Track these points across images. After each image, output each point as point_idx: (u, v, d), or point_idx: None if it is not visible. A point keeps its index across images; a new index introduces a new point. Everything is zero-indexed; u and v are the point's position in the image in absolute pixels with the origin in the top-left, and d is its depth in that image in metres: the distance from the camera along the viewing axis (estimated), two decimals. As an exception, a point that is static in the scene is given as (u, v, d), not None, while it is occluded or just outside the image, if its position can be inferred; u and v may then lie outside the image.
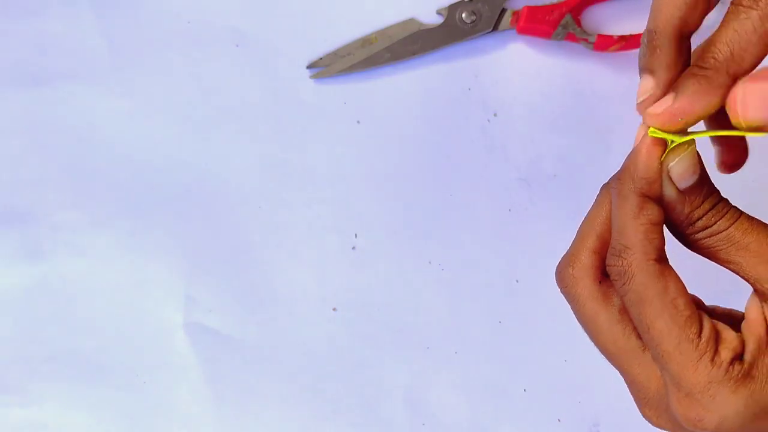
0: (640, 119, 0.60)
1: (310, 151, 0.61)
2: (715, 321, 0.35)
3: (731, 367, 0.33)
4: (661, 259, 0.34)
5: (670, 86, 0.35)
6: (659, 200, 0.35)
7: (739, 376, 0.33)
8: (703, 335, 0.33)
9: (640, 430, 0.61)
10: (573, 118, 0.62)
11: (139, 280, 0.59)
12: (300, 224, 0.61)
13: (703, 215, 0.34)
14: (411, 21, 0.62)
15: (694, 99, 0.33)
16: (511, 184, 0.62)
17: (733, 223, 0.34)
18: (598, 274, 0.37)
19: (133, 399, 0.59)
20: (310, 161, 0.61)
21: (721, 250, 0.34)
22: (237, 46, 0.62)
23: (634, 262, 0.34)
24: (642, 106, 0.36)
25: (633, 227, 0.34)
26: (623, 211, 0.35)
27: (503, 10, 0.62)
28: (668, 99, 0.35)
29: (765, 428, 0.34)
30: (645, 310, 0.34)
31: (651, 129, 0.36)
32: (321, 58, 0.61)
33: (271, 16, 0.62)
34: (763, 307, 0.35)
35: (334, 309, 0.60)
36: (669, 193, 0.35)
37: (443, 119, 0.62)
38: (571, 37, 0.61)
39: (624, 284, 0.35)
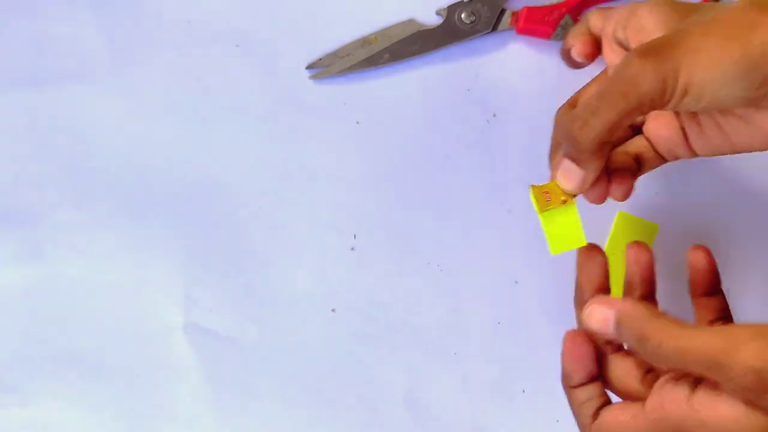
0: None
1: (310, 151, 0.61)
2: None
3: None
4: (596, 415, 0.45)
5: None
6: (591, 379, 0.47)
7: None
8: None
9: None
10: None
11: (139, 280, 0.59)
12: (300, 224, 0.61)
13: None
14: (411, 21, 0.62)
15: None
16: (511, 184, 0.62)
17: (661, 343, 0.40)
18: None
19: (133, 399, 0.59)
20: (310, 161, 0.61)
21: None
22: (237, 46, 0.62)
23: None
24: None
25: (579, 413, 0.46)
26: (570, 401, 0.47)
27: (503, 11, 0.62)
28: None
29: None
30: None
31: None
32: (321, 59, 0.61)
33: (271, 16, 0.62)
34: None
35: (334, 309, 0.60)
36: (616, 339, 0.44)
37: (443, 119, 0.62)
38: None
39: None
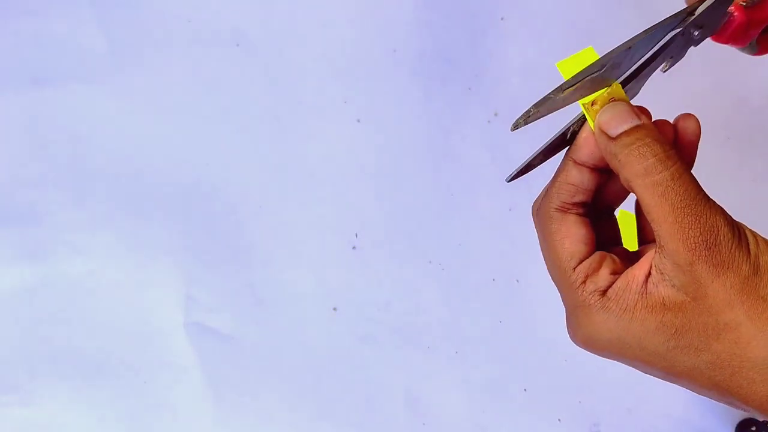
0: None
1: (310, 151, 0.61)
2: (608, 257, 0.39)
3: (591, 296, 0.38)
4: (563, 208, 0.40)
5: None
6: (592, 166, 0.40)
7: (597, 305, 0.38)
8: (578, 269, 0.39)
9: (640, 431, 0.61)
10: (573, 117, 0.62)
11: (139, 280, 0.59)
12: (300, 224, 0.61)
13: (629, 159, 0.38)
14: None
15: None
16: (511, 184, 0.62)
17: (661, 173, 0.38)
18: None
19: (133, 399, 0.59)
20: (310, 161, 0.61)
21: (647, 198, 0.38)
22: (237, 45, 0.62)
23: (541, 207, 0.41)
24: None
25: (553, 181, 0.41)
26: (557, 171, 0.41)
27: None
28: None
29: (625, 356, 0.38)
30: (541, 246, 0.41)
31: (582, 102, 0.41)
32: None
33: (271, 16, 0.62)
34: (656, 255, 0.38)
35: (334, 309, 0.60)
36: (601, 142, 0.39)
37: (444, 118, 0.62)
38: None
39: (535, 220, 0.42)
